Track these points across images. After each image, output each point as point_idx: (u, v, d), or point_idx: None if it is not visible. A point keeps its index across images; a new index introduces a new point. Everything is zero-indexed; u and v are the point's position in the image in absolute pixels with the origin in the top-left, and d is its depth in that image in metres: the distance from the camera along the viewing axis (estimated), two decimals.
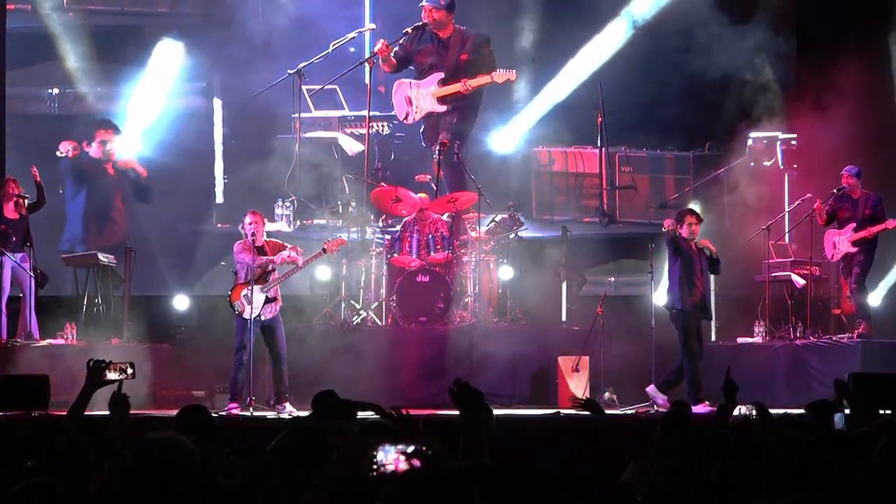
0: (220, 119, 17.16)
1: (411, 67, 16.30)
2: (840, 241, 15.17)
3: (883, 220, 14.99)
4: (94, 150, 15.52)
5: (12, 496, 4.38)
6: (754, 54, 16.67)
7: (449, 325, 14.71)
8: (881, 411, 7.97)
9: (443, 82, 16.02)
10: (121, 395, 5.88)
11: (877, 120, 16.59)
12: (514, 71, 15.87)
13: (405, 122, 16.41)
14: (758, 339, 15.40)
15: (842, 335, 15.20)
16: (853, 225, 15.09)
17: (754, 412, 6.89)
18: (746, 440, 5.90)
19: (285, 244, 13.71)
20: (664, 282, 14.71)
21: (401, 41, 16.13)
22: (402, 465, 4.22)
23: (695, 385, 13.58)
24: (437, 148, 15.63)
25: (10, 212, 14.29)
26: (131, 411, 5.91)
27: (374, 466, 4.30)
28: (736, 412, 7.09)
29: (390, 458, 4.26)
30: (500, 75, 15.76)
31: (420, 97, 16.18)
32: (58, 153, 15.24)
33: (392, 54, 16.02)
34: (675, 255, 13.84)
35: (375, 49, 15.96)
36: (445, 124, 16.07)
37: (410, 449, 4.22)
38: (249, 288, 13.19)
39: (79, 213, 15.47)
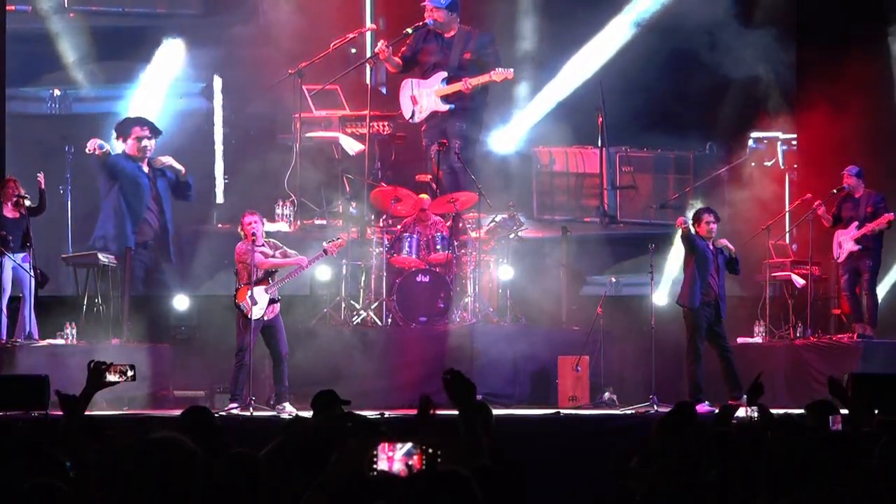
0: (221, 119, 17.13)
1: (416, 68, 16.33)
2: (845, 241, 15.18)
3: None
4: (129, 147, 15.51)
5: (16, 497, 4.37)
6: (755, 54, 16.65)
7: (449, 325, 14.70)
8: (875, 412, 7.95)
9: (446, 81, 16.05)
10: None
11: (878, 119, 16.59)
12: (511, 70, 15.85)
13: (410, 120, 16.40)
14: (758, 339, 15.40)
15: (842, 335, 15.21)
16: (856, 223, 15.10)
17: (756, 414, 6.89)
18: (748, 441, 5.90)
19: (284, 247, 13.72)
20: (665, 281, 14.71)
21: (408, 41, 16.14)
22: (401, 466, 4.23)
23: (694, 385, 13.57)
24: (437, 148, 15.64)
25: (9, 211, 14.30)
26: (131, 411, 5.92)
27: (374, 466, 4.30)
28: (741, 413, 7.08)
29: (389, 457, 4.26)
30: (498, 74, 15.76)
31: (424, 96, 16.19)
32: (86, 151, 15.29)
33: (400, 55, 16.05)
34: (690, 253, 13.78)
35: (376, 50, 15.97)
36: (454, 130, 16.08)
37: (409, 449, 4.21)
38: (253, 288, 13.22)
39: (110, 212, 15.45)
